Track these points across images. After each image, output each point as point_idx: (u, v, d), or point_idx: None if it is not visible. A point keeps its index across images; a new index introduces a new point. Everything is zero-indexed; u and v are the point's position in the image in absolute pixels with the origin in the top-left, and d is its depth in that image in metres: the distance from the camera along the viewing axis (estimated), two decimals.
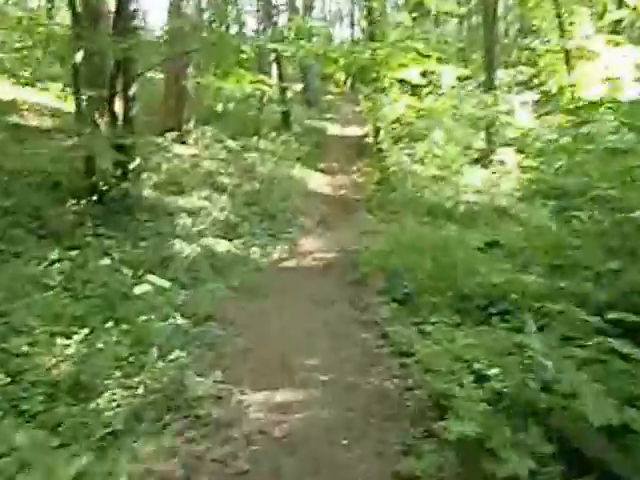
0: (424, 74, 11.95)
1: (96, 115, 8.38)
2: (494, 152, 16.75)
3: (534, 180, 10.65)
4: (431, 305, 5.66)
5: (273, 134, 15.94)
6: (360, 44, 14.14)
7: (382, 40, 12.69)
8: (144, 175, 9.27)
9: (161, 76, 14.55)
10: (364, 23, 20.36)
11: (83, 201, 7.94)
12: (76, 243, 7.06)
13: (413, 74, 12.63)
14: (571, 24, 16.09)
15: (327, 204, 12.06)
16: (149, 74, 15.89)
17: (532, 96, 16.04)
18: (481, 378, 3.82)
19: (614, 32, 14.41)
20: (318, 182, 13.69)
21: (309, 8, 28.42)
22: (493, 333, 4.67)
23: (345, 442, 3.51)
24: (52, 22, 13.34)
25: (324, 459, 3.33)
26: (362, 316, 5.78)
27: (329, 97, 27.21)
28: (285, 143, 15.59)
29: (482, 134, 17.56)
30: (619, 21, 15.22)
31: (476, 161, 16.43)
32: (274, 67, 19.43)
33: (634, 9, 13.63)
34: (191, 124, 12.55)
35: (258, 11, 22.17)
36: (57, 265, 6.15)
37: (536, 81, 16.30)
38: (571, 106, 13.59)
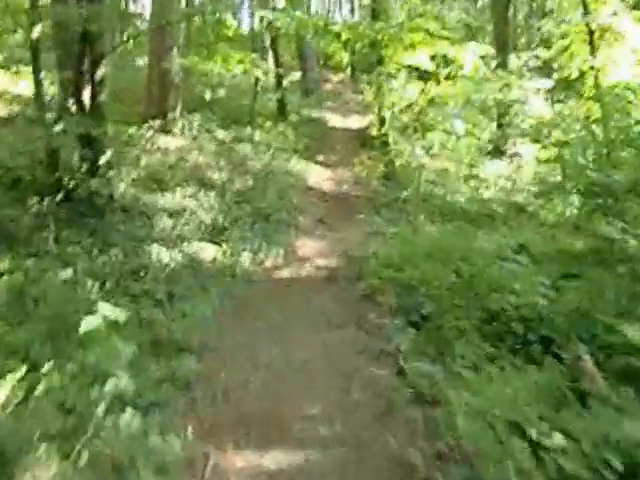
0: (433, 58, 10.95)
1: (59, 100, 7.42)
2: (507, 143, 15.85)
3: (566, 175, 9.71)
4: (455, 329, 4.74)
5: (268, 124, 14.97)
6: (363, 23, 13.02)
7: (386, 21, 11.69)
8: (118, 170, 8.31)
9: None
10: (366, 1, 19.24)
11: (46, 200, 7.04)
12: (33, 250, 6.15)
13: (422, 58, 11.64)
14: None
15: (327, 201, 11.12)
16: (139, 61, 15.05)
17: (547, 82, 15.06)
18: (537, 446, 2.91)
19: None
20: (317, 177, 12.74)
21: None
22: (544, 372, 3.77)
23: None
24: None
25: None
26: (372, 344, 4.84)
27: (329, 86, 26.18)
28: (281, 134, 14.63)
29: (493, 124, 16.68)
30: None
31: (487, 153, 15.54)
32: (270, 54, 18.41)
33: None
34: (177, 112, 11.56)
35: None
36: (5, 278, 5.24)
37: (554, 66, 15.28)
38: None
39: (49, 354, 3.90)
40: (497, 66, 14.20)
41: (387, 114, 12.47)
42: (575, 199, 9.70)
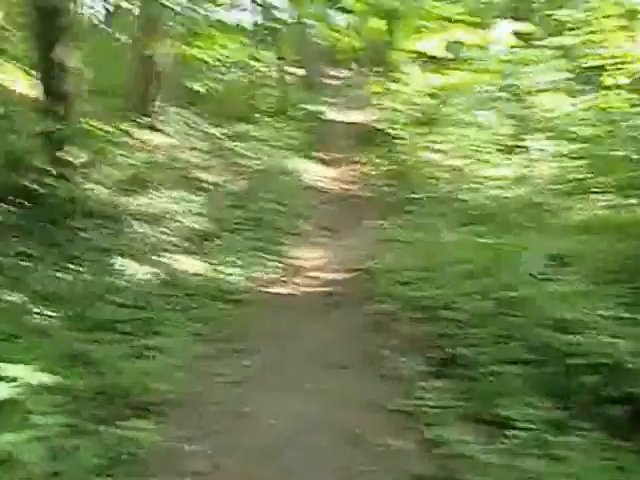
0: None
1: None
2: (522, 138, 14.69)
3: (595, 171, 8.58)
4: (500, 378, 3.61)
5: (267, 120, 13.84)
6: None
7: None
8: (93, 170, 7.20)
9: None
10: None
11: (4, 206, 5.97)
12: None
13: (434, 45, 10.52)
14: None
15: (330, 203, 10.01)
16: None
17: (561, 74, 13.87)
18: None
19: None
20: (319, 175, 11.62)
21: None
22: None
23: None
24: None
25: None
26: (384, 396, 3.70)
27: (332, 81, 25.00)
28: (281, 130, 13.49)
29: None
30: None
31: (504, 148, 14.41)
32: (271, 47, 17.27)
33: None
34: (165, 106, 10.41)
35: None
36: None
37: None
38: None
39: None
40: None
41: (396, 106, 11.31)
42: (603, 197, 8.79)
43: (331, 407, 3.60)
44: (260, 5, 16.47)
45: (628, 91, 10.36)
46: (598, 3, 13.02)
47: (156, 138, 9.58)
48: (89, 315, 4.59)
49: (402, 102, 11.18)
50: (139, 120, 9.42)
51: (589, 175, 10.24)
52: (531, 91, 13.50)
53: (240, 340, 4.67)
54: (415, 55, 11.08)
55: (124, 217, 6.72)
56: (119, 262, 5.64)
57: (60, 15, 6.10)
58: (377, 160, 12.30)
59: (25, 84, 8.21)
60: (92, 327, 4.40)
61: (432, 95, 9.82)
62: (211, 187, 8.58)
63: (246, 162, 10.18)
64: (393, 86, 11.04)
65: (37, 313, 4.55)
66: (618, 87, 11.00)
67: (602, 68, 12.29)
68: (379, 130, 13.05)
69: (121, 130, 8.89)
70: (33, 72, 7.21)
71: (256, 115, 13.56)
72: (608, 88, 12.34)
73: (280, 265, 6.90)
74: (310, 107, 16.87)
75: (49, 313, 4.57)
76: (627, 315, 3.82)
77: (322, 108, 17.60)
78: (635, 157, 7.32)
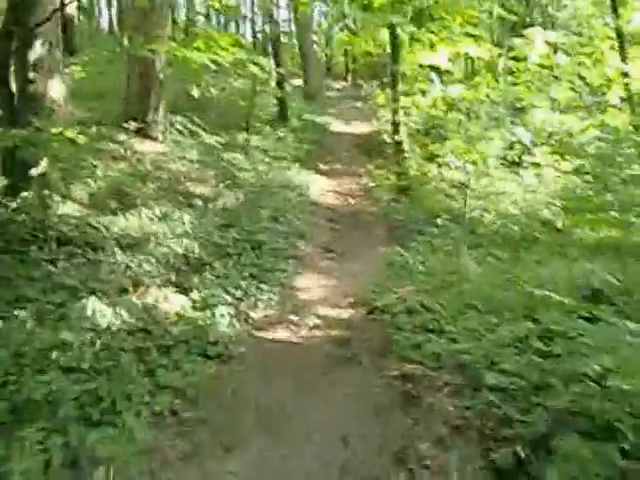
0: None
1: None
2: (531, 153, 13.38)
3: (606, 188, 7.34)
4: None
5: (267, 129, 12.44)
6: None
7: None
8: (62, 185, 5.77)
9: None
10: None
11: None
12: None
13: (441, 59, 9.16)
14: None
15: (334, 220, 8.60)
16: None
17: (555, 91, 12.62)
18: None
19: None
20: (321, 189, 10.22)
21: None
22: None
23: None
24: None
25: None
26: None
27: (331, 93, 23.66)
28: (281, 140, 12.11)
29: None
30: None
31: (508, 163, 13.09)
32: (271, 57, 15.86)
33: None
34: (160, 113, 8.98)
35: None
36: None
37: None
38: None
39: None
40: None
41: (404, 118, 9.90)
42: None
43: None
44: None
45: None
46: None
47: (148, 147, 8.15)
48: (26, 388, 3.16)
49: (410, 113, 9.78)
50: (132, 127, 7.98)
51: (596, 192, 9.14)
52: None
53: (220, 427, 3.25)
54: (422, 66, 9.72)
55: (101, 243, 5.30)
56: (84, 304, 4.21)
57: (33, 11, 4.69)
58: (383, 173, 10.91)
59: None
60: (13, 410, 2.97)
61: (442, 106, 8.46)
62: (204, 203, 7.15)
63: (244, 174, 8.76)
64: (402, 97, 9.61)
65: None
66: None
67: (605, 86, 11.09)
68: (386, 142, 11.68)
69: (109, 138, 7.48)
70: None
71: (256, 124, 12.17)
72: (613, 106, 11.15)
73: (279, 298, 5.49)
74: (311, 117, 15.52)
75: None
76: None
77: (323, 119, 16.25)
78: None
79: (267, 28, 15.93)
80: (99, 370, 3.51)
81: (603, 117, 11.65)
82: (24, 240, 4.87)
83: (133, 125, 8.22)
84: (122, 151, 7.61)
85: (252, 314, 4.99)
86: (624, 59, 10.80)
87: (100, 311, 4.25)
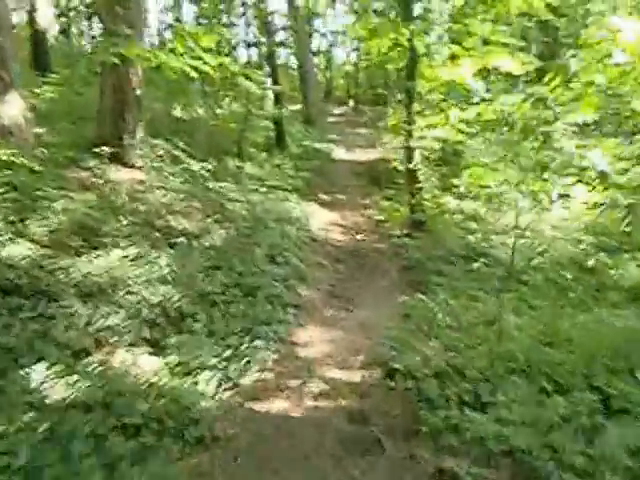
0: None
1: None
2: (555, 183, 12.83)
3: None
4: None
5: (263, 155, 11.90)
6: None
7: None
8: (9, 223, 5.13)
9: None
10: None
11: None
12: None
13: (466, 73, 8.59)
14: None
15: (339, 260, 7.96)
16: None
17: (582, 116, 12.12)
18: None
19: None
20: (323, 223, 9.61)
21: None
22: None
23: None
24: None
25: None
26: None
27: (331, 119, 23.37)
28: (278, 167, 11.55)
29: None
30: None
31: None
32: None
33: None
34: (137, 135, 8.37)
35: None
36: None
37: None
38: None
39: None
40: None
41: (415, 143, 9.32)
42: None
43: None
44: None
45: None
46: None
47: (123, 175, 7.55)
48: None
49: (426, 137, 9.22)
50: (105, 151, 7.39)
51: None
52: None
53: None
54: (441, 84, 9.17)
55: (57, 291, 4.63)
56: (27, 374, 3.54)
57: None
58: (386, 203, 10.33)
59: None
60: None
61: (471, 126, 7.89)
62: (187, 240, 6.51)
63: (235, 206, 8.14)
64: (416, 120, 9.07)
65: None
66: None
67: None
68: (396, 170, 11.14)
69: (76, 165, 6.88)
70: None
71: (250, 149, 11.64)
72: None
73: (276, 357, 4.82)
74: (311, 143, 15.04)
75: None
76: None
77: (324, 145, 15.77)
78: None
79: (263, 39, 15.44)
80: (37, 469, 2.81)
81: None
82: None
83: (106, 149, 7.62)
84: (92, 179, 7.00)
85: (243, 380, 4.30)
86: None
87: (49, 382, 3.57)
